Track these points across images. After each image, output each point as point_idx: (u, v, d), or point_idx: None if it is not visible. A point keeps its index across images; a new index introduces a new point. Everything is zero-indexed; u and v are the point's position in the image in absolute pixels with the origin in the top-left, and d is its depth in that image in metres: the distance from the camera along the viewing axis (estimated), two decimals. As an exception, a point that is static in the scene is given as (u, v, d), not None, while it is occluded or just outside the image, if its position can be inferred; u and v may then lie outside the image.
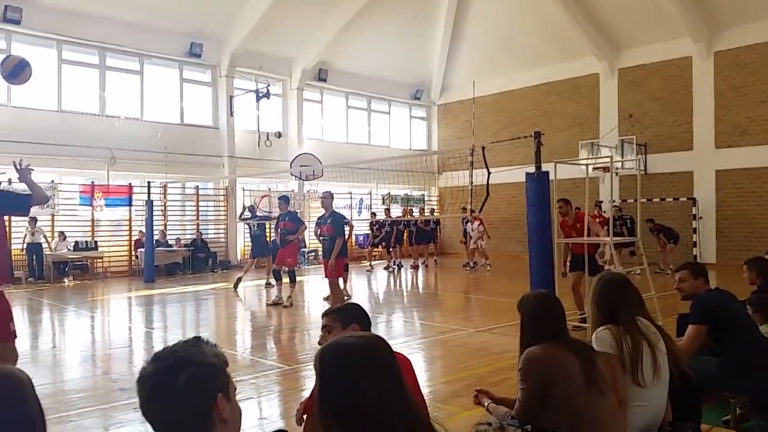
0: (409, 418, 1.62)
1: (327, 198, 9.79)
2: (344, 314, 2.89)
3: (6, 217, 4.39)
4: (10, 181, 14.62)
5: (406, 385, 1.67)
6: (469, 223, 17.14)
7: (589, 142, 18.45)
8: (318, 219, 10.44)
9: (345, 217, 10.33)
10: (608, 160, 9.57)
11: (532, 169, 7.21)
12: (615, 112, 19.05)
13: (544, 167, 7.22)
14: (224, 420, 1.48)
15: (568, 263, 8.27)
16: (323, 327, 2.88)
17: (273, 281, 13.18)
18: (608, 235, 7.66)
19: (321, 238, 9.89)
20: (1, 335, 4.01)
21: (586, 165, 9.40)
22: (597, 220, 15.68)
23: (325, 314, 2.92)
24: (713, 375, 3.89)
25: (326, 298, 10.63)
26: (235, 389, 1.55)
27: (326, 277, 9.44)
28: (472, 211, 14.00)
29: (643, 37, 18.19)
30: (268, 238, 14.31)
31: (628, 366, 2.81)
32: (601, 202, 16.75)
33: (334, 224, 9.49)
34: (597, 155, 17.25)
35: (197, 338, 1.57)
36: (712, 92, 17.23)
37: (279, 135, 17.94)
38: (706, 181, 17.29)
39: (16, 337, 4.17)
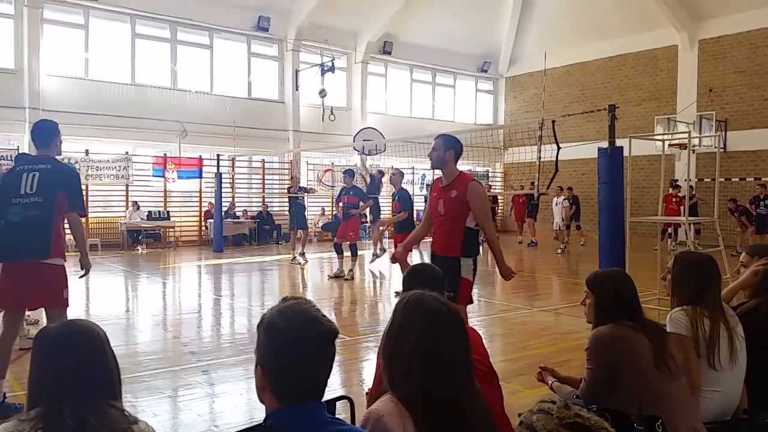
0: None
1: (396, 175, 10.02)
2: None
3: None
4: (87, 152, 15.34)
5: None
6: (555, 198, 16.65)
7: (665, 118, 17.60)
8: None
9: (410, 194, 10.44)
10: (685, 136, 9.14)
11: (603, 144, 6.90)
12: (694, 86, 18.06)
13: (618, 143, 6.89)
14: None
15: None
16: None
17: (297, 255, 13.06)
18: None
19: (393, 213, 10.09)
20: (54, 301, 4.23)
21: (662, 141, 8.98)
22: (673, 199, 15.04)
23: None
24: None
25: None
26: None
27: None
28: (560, 188, 13.65)
29: (726, 6, 17.06)
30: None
31: (703, 349, 2.68)
32: (677, 180, 16.02)
33: (401, 200, 9.75)
34: (673, 131, 16.45)
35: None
36: (804, 64, 16.08)
37: (332, 112, 17.88)
38: (793, 160, 16.24)
39: (67, 305, 4.31)
